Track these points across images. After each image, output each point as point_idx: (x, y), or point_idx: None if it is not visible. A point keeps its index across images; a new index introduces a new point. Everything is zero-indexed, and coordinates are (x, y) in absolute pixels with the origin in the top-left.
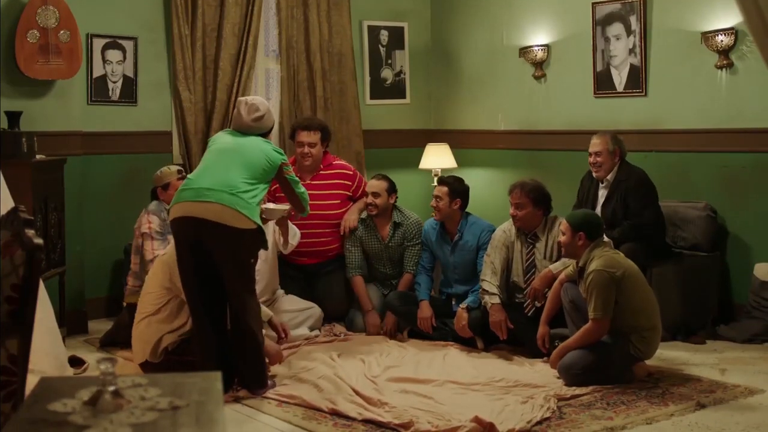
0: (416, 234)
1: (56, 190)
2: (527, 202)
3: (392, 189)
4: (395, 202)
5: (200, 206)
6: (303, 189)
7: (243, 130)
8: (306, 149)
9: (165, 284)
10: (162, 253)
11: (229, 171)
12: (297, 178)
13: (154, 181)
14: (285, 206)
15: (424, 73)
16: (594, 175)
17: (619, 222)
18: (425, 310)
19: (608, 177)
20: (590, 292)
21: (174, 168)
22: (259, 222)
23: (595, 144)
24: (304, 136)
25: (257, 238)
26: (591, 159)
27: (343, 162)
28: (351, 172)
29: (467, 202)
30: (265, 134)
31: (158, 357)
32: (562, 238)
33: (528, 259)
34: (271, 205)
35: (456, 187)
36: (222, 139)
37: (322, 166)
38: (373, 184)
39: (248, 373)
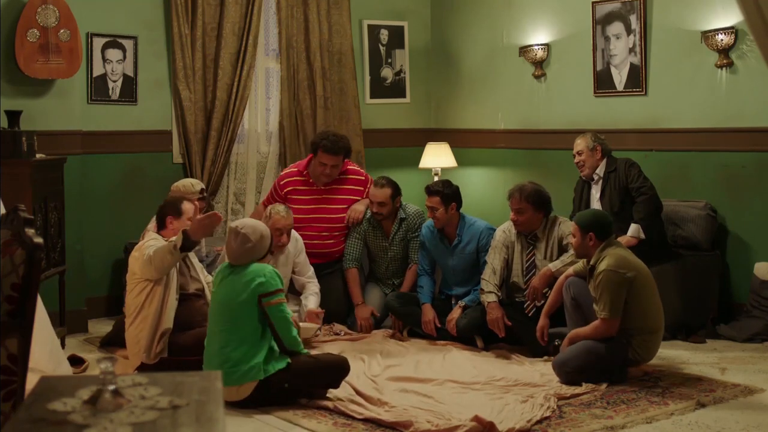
0: (418, 225)
1: (56, 189)
2: (527, 207)
3: (396, 192)
4: (400, 203)
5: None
6: (294, 334)
7: (235, 261)
8: (329, 171)
9: (144, 277)
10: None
11: (217, 343)
12: (287, 316)
13: (175, 194)
14: (314, 326)
15: (424, 72)
16: (581, 174)
17: (620, 211)
18: (428, 314)
19: (597, 172)
20: (600, 292)
21: (198, 187)
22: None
23: (577, 144)
24: (328, 159)
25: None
26: (575, 159)
27: (355, 167)
28: (363, 178)
29: (461, 203)
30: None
31: (153, 359)
32: (573, 240)
33: (528, 259)
34: (303, 325)
35: (447, 193)
36: (216, 288)
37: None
38: (378, 195)
39: None
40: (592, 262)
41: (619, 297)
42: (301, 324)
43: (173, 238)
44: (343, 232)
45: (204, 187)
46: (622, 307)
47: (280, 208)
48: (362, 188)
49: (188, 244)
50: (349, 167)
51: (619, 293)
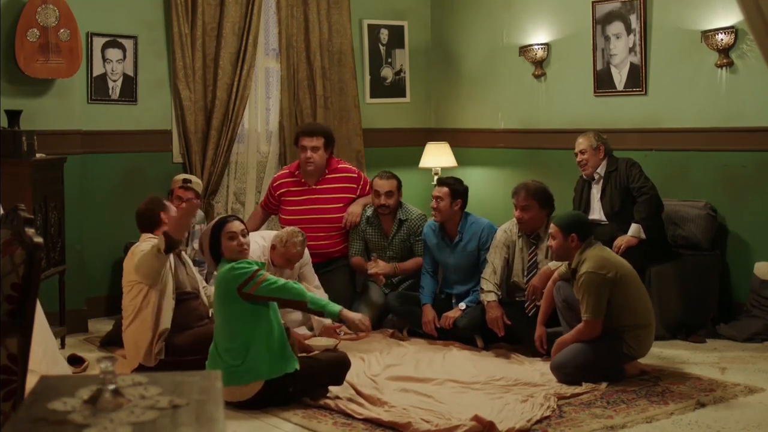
0: (420, 228)
1: (56, 188)
2: (534, 204)
3: (400, 184)
4: (401, 200)
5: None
6: (291, 286)
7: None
8: (309, 153)
9: (137, 280)
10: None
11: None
12: (276, 283)
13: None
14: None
15: (424, 71)
16: (582, 173)
17: (620, 211)
18: (428, 314)
19: (598, 171)
20: (582, 294)
21: (181, 177)
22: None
23: (580, 143)
24: (307, 141)
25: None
26: (577, 158)
27: (347, 165)
28: (355, 175)
29: (466, 203)
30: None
31: (153, 360)
32: (553, 242)
33: (530, 259)
34: (321, 340)
35: (457, 188)
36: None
37: (326, 171)
38: (385, 185)
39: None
40: (573, 265)
41: (601, 298)
42: (319, 339)
43: (155, 242)
44: (339, 231)
45: (188, 177)
46: (604, 308)
47: (297, 240)
48: (355, 185)
49: (172, 243)
50: (339, 165)
51: (601, 294)
